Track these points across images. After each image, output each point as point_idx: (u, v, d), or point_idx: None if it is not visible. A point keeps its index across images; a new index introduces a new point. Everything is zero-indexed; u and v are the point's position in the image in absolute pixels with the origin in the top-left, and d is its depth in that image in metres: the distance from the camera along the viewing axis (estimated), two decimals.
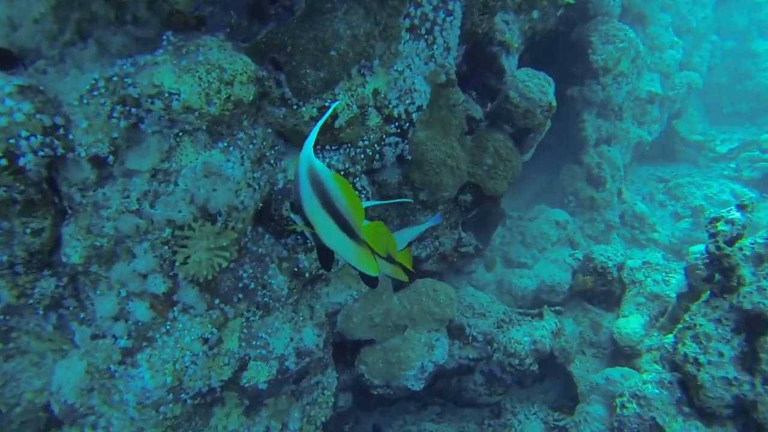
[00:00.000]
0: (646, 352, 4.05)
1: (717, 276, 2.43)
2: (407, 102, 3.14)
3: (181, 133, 2.51)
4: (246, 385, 3.18)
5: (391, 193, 3.76)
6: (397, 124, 3.20)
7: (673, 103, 6.33)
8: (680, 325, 2.70)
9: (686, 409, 2.52)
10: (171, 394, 2.68)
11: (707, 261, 2.63)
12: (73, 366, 2.55)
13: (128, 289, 2.48)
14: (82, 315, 2.59)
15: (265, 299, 3.23)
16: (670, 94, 6.06)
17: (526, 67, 4.01)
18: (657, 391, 2.62)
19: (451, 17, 3.17)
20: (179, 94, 2.28)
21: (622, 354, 4.08)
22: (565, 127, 5.26)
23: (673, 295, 4.20)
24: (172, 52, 2.38)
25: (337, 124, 2.91)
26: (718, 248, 2.46)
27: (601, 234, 5.23)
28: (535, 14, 4.40)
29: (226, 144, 2.64)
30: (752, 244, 2.34)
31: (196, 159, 2.56)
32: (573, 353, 4.21)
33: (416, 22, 3.03)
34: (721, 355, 2.35)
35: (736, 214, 2.48)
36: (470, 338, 4.44)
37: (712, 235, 2.53)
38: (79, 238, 2.42)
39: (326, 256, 1.54)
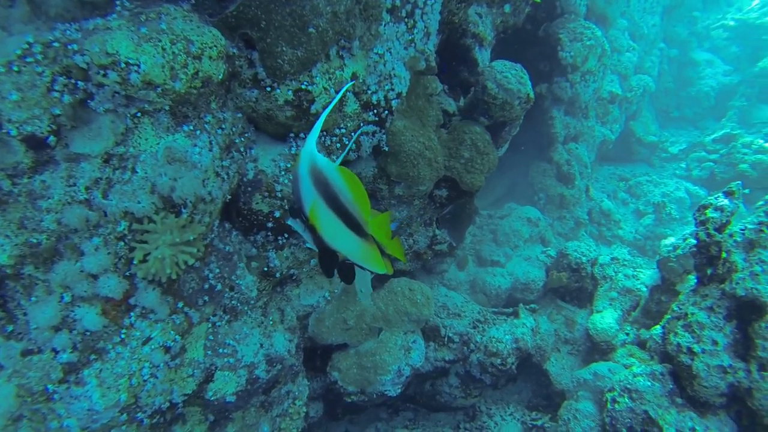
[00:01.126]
0: (621, 346, 4.05)
1: (710, 267, 2.40)
2: (386, 88, 2.96)
3: (139, 114, 2.20)
4: (212, 399, 2.87)
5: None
6: (375, 111, 3.01)
7: (630, 105, 6.54)
8: (668, 316, 2.67)
9: (679, 400, 2.47)
10: (125, 414, 2.34)
11: (695, 249, 2.61)
12: None
13: (74, 292, 2.14)
14: (9, 328, 2.20)
15: (232, 302, 2.94)
16: (628, 96, 6.25)
17: (500, 59, 3.94)
18: (649, 383, 2.56)
19: (432, 0, 3.03)
20: (139, 66, 1.98)
21: (598, 349, 4.07)
22: (533, 124, 5.27)
23: (645, 289, 4.25)
24: (129, 18, 2.08)
25: (313, 109, 2.68)
26: (709, 235, 2.44)
27: (571, 231, 5.27)
28: (507, 8, 4.36)
29: (192, 127, 2.35)
30: (742, 230, 2.33)
31: (158, 143, 2.26)
32: (549, 351, 4.16)
33: (397, 2, 2.86)
34: (715, 343, 2.32)
35: (724, 201, 2.48)
36: (446, 339, 4.30)
37: (702, 223, 2.52)
38: (9, 235, 2.05)
39: (329, 261, 1.42)
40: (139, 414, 2.40)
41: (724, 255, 2.34)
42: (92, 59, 1.96)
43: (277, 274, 3.17)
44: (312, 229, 1.33)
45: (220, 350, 2.87)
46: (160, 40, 2.04)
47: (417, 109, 3.44)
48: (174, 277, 2.25)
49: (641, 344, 3.99)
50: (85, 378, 2.21)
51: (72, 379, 2.21)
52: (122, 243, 2.19)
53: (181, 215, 2.31)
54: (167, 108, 2.25)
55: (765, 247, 2.25)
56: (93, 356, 2.23)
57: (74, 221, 2.07)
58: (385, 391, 3.83)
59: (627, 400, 2.60)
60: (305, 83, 2.58)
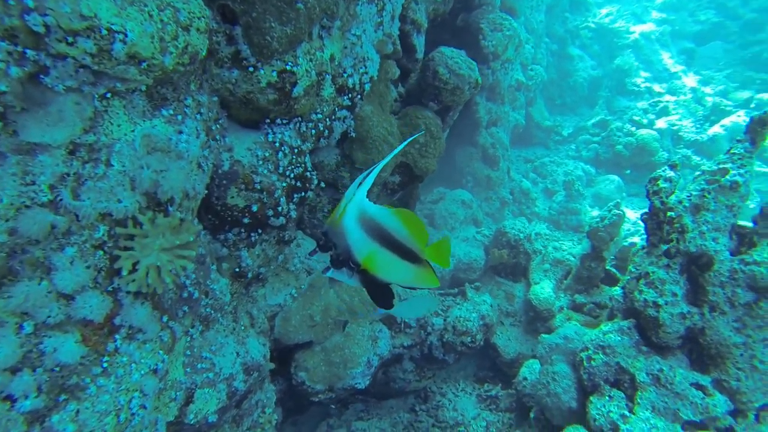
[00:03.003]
0: (558, 312, 4.48)
1: (667, 230, 2.76)
2: (361, 71, 2.84)
3: (109, 95, 1.82)
4: (192, 422, 2.53)
5: (328, 176, 3.40)
6: (350, 95, 2.88)
7: (528, 92, 7.18)
8: (627, 277, 3.01)
9: (644, 348, 2.82)
10: None
11: (646, 216, 2.98)
12: None
13: (38, 319, 1.71)
14: None
15: (206, 309, 2.62)
16: (529, 84, 6.85)
17: (444, 46, 4.03)
18: (618, 337, 2.88)
19: None
20: (125, 34, 1.63)
21: (540, 317, 4.44)
22: None
23: (572, 258, 4.73)
24: None
25: (295, 92, 2.47)
26: (663, 203, 2.81)
27: (497, 210, 5.64)
28: None
29: (172, 111, 2.01)
30: (689, 196, 2.73)
31: (132, 131, 1.89)
32: (494, 325, 4.43)
33: None
34: (674, 295, 2.69)
35: (671, 173, 2.87)
36: (402, 325, 4.33)
37: (655, 192, 2.88)
38: None
39: (385, 295, 1.44)
40: None
41: (671, 217, 2.70)
42: (58, 21, 1.55)
43: (249, 274, 2.89)
44: (363, 272, 1.37)
45: (199, 365, 2.55)
46: (146, 5, 1.70)
47: (378, 94, 3.37)
48: (171, 287, 1.93)
49: (576, 308, 4.45)
50: (55, 426, 1.79)
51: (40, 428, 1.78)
52: (101, 252, 1.81)
53: (168, 214, 1.97)
54: (143, 89, 1.90)
55: (708, 210, 2.66)
56: (64, 396, 1.81)
57: (34, 229, 1.64)
58: (356, 384, 3.74)
59: (601, 355, 2.89)
60: (290, 63, 2.36)
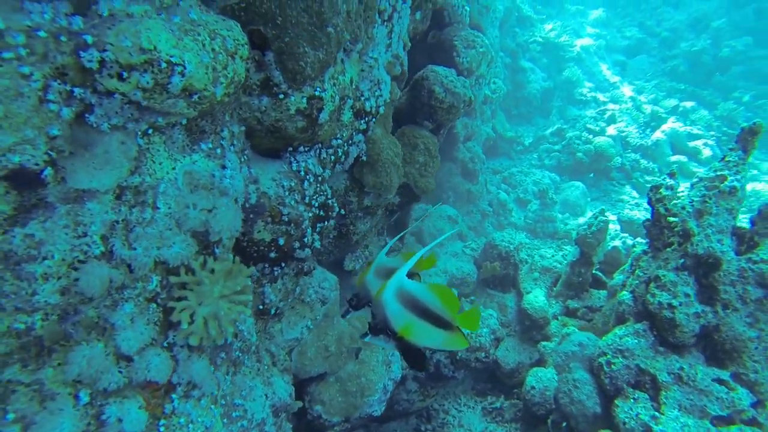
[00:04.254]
0: (553, 319, 4.61)
1: (672, 237, 2.93)
2: (377, 94, 2.81)
3: (150, 131, 1.68)
4: None
5: (337, 201, 3.31)
6: (366, 119, 2.83)
7: (492, 105, 7.43)
8: (635, 281, 3.15)
9: (661, 349, 2.95)
10: None
11: (649, 222, 3.15)
12: None
13: (97, 386, 1.52)
14: None
15: (236, 353, 2.45)
16: (493, 97, 7.10)
17: (423, 64, 4.08)
18: (635, 340, 3.00)
19: (406, 4, 2.98)
20: (184, 66, 1.51)
21: (535, 326, 4.54)
22: None
23: (558, 265, 4.90)
24: (147, 1, 1.56)
25: (321, 118, 2.39)
26: (667, 209, 2.97)
27: (478, 223, 5.74)
28: (418, 15, 4.52)
29: (210, 145, 1.88)
30: (691, 202, 2.91)
31: (173, 168, 1.75)
32: (504, 338, 4.47)
33: (383, 4, 2.74)
34: (687, 296, 2.84)
35: (671, 181, 3.06)
36: None
37: (659, 200, 3.04)
38: None
39: (419, 358, 1.62)
40: None
41: (672, 222, 2.88)
42: (116, 56, 1.42)
43: (272, 311, 2.74)
44: (399, 339, 1.54)
45: (234, 414, 2.37)
46: (199, 34, 1.59)
47: (383, 116, 3.35)
48: (231, 338, 1.79)
49: (570, 314, 4.60)
50: None
51: None
52: (154, 305, 1.64)
53: (216, 257, 1.83)
54: (183, 122, 1.76)
55: (711, 214, 2.85)
56: None
57: (96, 286, 1.47)
58: (372, 412, 3.63)
59: (621, 359, 3.00)
60: (318, 89, 2.29)
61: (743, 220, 2.94)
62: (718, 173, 2.81)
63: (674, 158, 8.05)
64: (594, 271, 4.66)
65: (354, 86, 2.68)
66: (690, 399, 2.72)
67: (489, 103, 7.04)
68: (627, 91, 10.56)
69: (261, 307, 2.64)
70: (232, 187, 1.88)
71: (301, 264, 2.87)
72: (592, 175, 7.54)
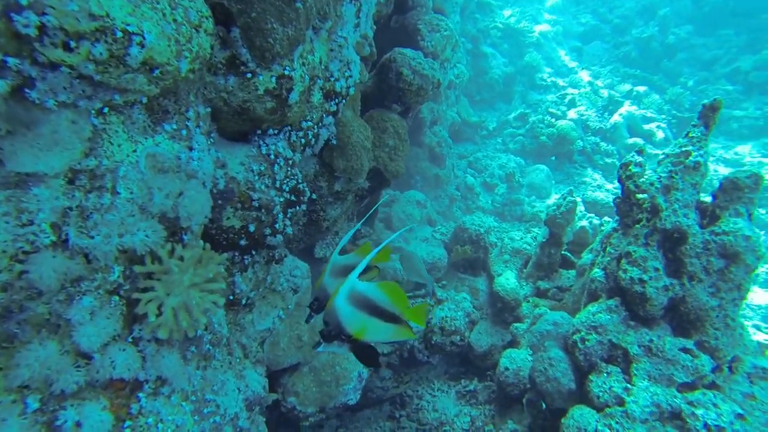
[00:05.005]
0: (524, 301, 4.68)
1: (641, 214, 2.99)
2: (347, 75, 2.71)
3: (106, 110, 1.53)
4: None
5: (308, 188, 3.20)
6: (336, 101, 2.73)
7: (456, 90, 7.43)
8: (607, 258, 3.22)
9: (632, 323, 3.03)
10: None
11: (619, 200, 3.21)
12: None
13: (54, 389, 1.39)
14: None
15: (207, 346, 2.33)
16: (457, 82, 7.10)
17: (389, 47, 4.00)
18: (608, 316, 3.06)
19: None
20: (143, 36, 1.37)
21: (507, 308, 4.59)
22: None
23: (529, 247, 4.96)
24: None
25: (291, 99, 2.28)
26: (637, 186, 3.03)
27: (447, 208, 5.74)
28: None
29: (175, 126, 1.74)
30: (659, 178, 2.98)
31: (134, 151, 1.61)
32: (478, 321, 4.50)
33: None
34: (656, 270, 2.92)
35: (639, 158, 3.12)
36: None
37: (628, 177, 3.10)
38: None
39: (371, 355, 1.66)
40: None
41: (641, 199, 2.95)
42: (60, 22, 1.27)
43: (243, 301, 2.63)
44: (353, 341, 1.58)
45: (205, 410, 2.26)
46: (158, 2, 1.45)
47: (352, 98, 3.25)
48: (202, 330, 1.68)
49: (541, 294, 4.68)
50: None
51: None
52: (116, 297, 1.51)
53: (184, 244, 1.71)
54: (144, 101, 1.62)
55: (678, 189, 2.93)
56: None
57: (48, 279, 1.33)
58: (348, 400, 3.58)
59: (594, 335, 3.06)
60: (287, 68, 2.17)
61: (703, 196, 3.04)
62: (683, 149, 2.89)
63: (631, 141, 8.32)
64: (562, 252, 4.75)
65: (323, 66, 2.57)
66: (659, 369, 2.81)
67: (453, 88, 7.03)
68: (584, 76, 10.83)
69: (231, 297, 2.52)
70: (200, 169, 1.76)
71: (272, 252, 2.76)
72: (554, 158, 7.71)
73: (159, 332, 1.51)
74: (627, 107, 9.41)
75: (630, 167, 3.06)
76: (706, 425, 2.48)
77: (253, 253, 2.55)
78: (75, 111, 1.45)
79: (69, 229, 1.40)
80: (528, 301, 4.62)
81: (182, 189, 1.66)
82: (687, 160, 2.85)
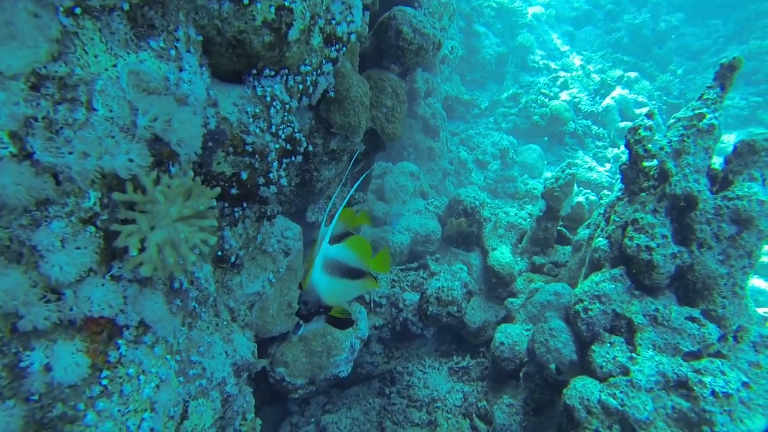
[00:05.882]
0: (519, 275, 4.57)
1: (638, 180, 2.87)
2: (348, 19, 2.51)
3: (78, 10, 1.31)
4: None
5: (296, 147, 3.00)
6: (336, 47, 2.53)
7: (449, 66, 7.24)
8: (611, 227, 3.11)
9: (636, 292, 2.94)
10: None
11: (626, 166, 3.09)
12: None
13: (25, 322, 1.19)
14: None
15: (192, 303, 2.13)
16: (451, 57, 6.91)
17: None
18: (612, 285, 2.96)
19: None
20: None
21: (502, 283, 4.48)
22: None
23: (524, 222, 4.85)
24: None
25: (290, 35, 2.07)
26: (646, 150, 2.92)
27: (440, 182, 5.58)
28: None
29: (162, 44, 1.53)
30: (669, 143, 2.87)
31: (113, 65, 1.40)
32: (475, 292, 4.38)
33: None
34: (664, 237, 2.82)
35: (650, 122, 3.00)
36: (372, 305, 4.09)
37: (637, 141, 2.98)
38: None
39: (347, 322, 1.61)
40: None
41: (647, 167, 2.84)
42: None
43: (232, 258, 2.43)
44: (327, 310, 1.53)
45: (191, 372, 2.08)
46: None
47: (350, 51, 3.04)
48: (191, 268, 1.49)
49: (536, 269, 4.58)
50: None
51: None
52: (92, 228, 1.31)
53: (171, 175, 1.51)
54: (125, 7, 1.40)
55: (689, 153, 2.82)
56: None
57: (13, 192, 1.13)
58: (339, 372, 3.43)
59: (598, 305, 2.95)
60: None
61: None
62: (697, 111, 2.78)
63: (623, 124, 8.28)
64: (558, 227, 4.65)
65: (325, 6, 2.37)
66: (664, 338, 2.73)
67: (447, 63, 6.85)
68: (576, 60, 10.74)
69: (220, 253, 2.33)
70: (192, 94, 1.56)
71: (263, 207, 2.56)
72: (546, 138, 7.61)
73: (142, 269, 1.32)
74: (619, 90, 9.36)
75: (639, 131, 2.94)
76: (713, 392, 2.40)
77: (245, 205, 2.36)
78: (37, 2, 1.23)
79: (34, 141, 1.19)
80: (523, 276, 4.52)
81: (170, 113, 1.45)
82: (700, 123, 2.74)
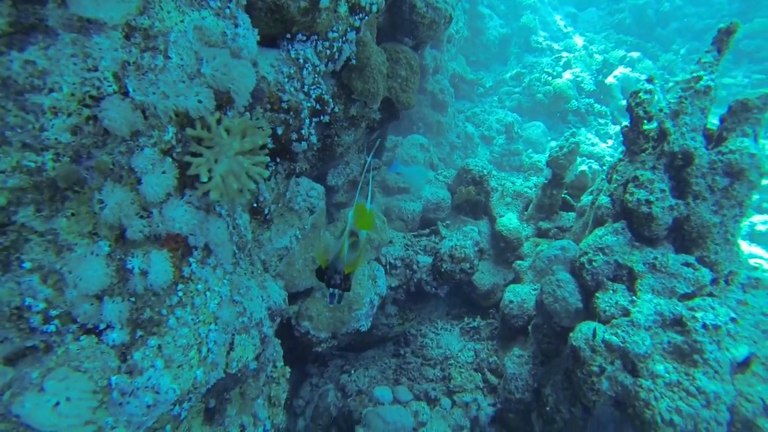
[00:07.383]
0: (526, 240, 4.80)
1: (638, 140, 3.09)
2: None
3: None
4: (235, 371, 2.32)
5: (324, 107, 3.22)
6: (360, 16, 2.73)
7: (455, 45, 7.40)
8: (613, 185, 3.33)
9: (637, 243, 3.17)
10: (178, 405, 1.73)
11: (627, 128, 3.30)
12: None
13: (130, 233, 1.43)
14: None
15: (233, 247, 2.37)
16: (456, 37, 7.06)
17: None
18: (614, 238, 3.19)
19: None
20: None
21: (510, 247, 4.71)
22: None
23: (529, 191, 5.07)
24: None
25: (322, 2, 2.28)
26: (646, 111, 3.12)
27: (447, 155, 5.78)
28: None
29: (219, 4, 1.75)
30: (668, 104, 3.07)
31: (181, 20, 1.62)
32: (486, 251, 4.61)
33: None
34: (663, 191, 3.04)
35: (649, 86, 3.20)
36: (388, 267, 4.33)
37: (638, 104, 3.19)
38: None
39: (348, 277, 1.93)
40: (186, 402, 1.79)
41: (647, 129, 3.05)
42: None
43: (266, 210, 2.67)
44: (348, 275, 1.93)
45: (235, 309, 2.32)
46: None
47: (369, 23, 3.24)
48: (248, 197, 1.72)
49: (542, 234, 4.81)
50: (139, 363, 1.53)
51: (125, 366, 1.50)
52: (170, 159, 1.54)
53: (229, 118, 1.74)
54: None
55: (686, 113, 3.03)
56: (140, 332, 1.55)
57: (119, 124, 1.36)
58: (360, 326, 3.68)
59: (601, 256, 3.19)
60: None
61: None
62: (694, 74, 2.98)
63: (624, 102, 8.44)
64: (563, 194, 4.87)
65: None
66: (662, 283, 2.96)
67: (453, 43, 7.01)
68: (579, 41, 10.86)
69: (255, 204, 2.56)
70: (246, 47, 1.77)
71: (293, 164, 2.79)
72: (541, 119, 7.79)
73: (211, 194, 1.55)
74: (621, 70, 9.50)
75: (640, 95, 3.15)
76: (704, 325, 2.64)
77: (277, 160, 2.58)
78: None
79: (129, 81, 1.42)
80: (530, 241, 4.76)
81: (227, 63, 1.67)
82: (697, 85, 2.94)
